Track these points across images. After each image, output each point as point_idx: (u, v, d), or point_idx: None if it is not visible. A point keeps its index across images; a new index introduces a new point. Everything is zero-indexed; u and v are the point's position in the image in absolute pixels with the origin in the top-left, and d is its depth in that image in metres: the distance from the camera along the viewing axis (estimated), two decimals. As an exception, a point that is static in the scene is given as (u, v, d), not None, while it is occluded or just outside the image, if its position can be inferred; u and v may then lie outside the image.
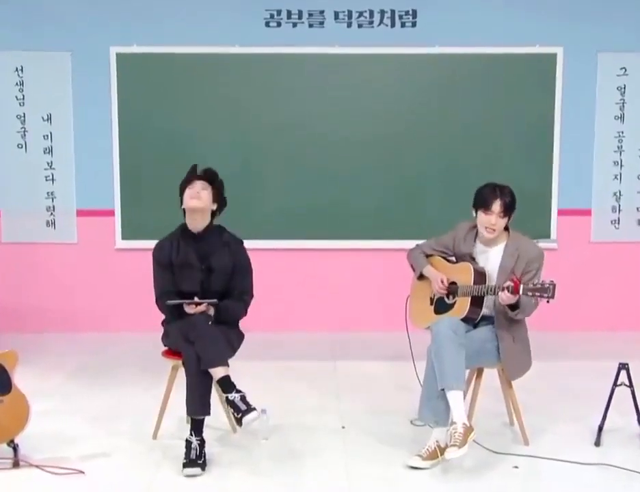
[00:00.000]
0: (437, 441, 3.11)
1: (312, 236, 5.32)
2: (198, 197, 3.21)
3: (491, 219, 3.20)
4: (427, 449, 3.10)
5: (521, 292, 2.98)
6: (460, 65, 5.21)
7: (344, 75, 5.23)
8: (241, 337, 3.37)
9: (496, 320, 3.25)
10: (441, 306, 3.39)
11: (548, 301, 2.95)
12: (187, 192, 3.22)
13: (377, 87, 5.24)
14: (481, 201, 3.23)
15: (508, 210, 3.20)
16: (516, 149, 5.27)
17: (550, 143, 5.26)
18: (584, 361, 4.69)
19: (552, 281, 2.93)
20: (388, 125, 5.26)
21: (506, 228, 3.29)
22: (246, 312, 3.36)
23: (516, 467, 3.10)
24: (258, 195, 5.28)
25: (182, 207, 3.27)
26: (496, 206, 3.19)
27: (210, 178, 3.26)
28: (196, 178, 3.25)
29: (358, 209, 5.31)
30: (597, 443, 3.32)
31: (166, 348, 3.37)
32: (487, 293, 3.16)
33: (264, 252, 5.16)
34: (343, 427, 3.55)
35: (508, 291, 3.03)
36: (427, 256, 3.52)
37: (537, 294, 2.95)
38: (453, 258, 3.45)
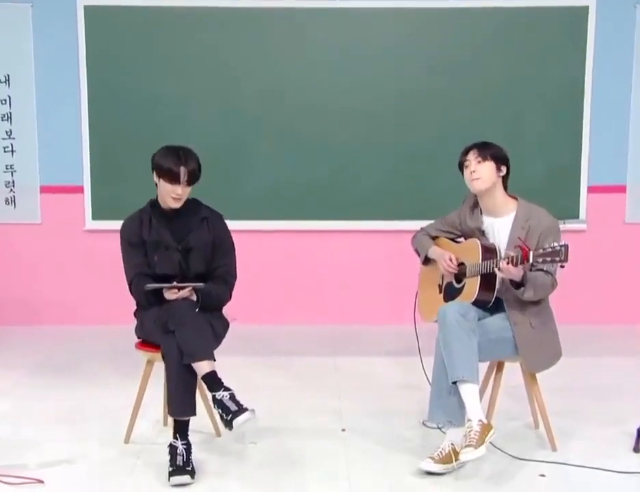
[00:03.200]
0: (451, 444, 3.06)
1: (309, 217, 5.27)
2: (180, 199, 3.18)
3: (469, 169, 3.22)
4: (440, 451, 3.05)
5: (531, 260, 2.93)
6: (478, 21, 5.13)
7: (346, 33, 5.14)
8: (226, 325, 3.34)
9: (505, 302, 3.19)
10: (450, 292, 3.35)
11: (562, 266, 2.91)
12: (168, 188, 3.15)
13: (384, 48, 5.16)
14: (458, 163, 3.30)
15: (487, 154, 3.20)
16: (541, 116, 5.20)
17: (580, 109, 5.19)
18: (619, 357, 4.66)
19: (563, 242, 2.89)
20: (396, 90, 5.19)
21: (515, 198, 3.25)
22: (231, 296, 3.34)
23: (542, 476, 3.05)
24: (248, 171, 5.22)
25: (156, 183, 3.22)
26: (470, 154, 3.24)
27: (194, 179, 3.19)
28: (179, 181, 3.15)
29: (361, 185, 5.24)
30: (637, 449, 3.26)
31: (140, 339, 3.32)
32: (495, 268, 3.08)
33: (255, 234, 5.16)
34: (343, 430, 3.52)
35: (514, 262, 2.98)
36: (433, 239, 3.49)
37: (549, 258, 2.89)
38: (462, 239, 3.42)
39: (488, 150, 3.22)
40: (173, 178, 3.13)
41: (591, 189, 5.27)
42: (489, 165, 3.20)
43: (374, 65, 5.16)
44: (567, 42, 5.13)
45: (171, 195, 3.15)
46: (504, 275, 3.04)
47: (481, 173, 3.19)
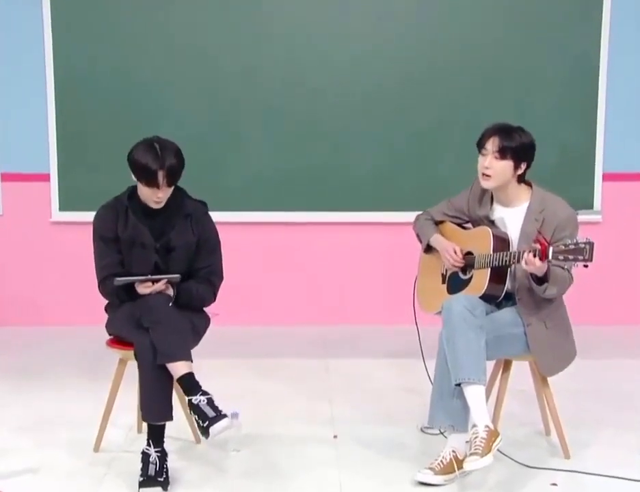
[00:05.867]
0: (453, 451, 3.05)
1: (299, 207, 5.26)
2: (160, 201, 3.15)
3: (484, 161, 3.14)
4: (441, 460, 3.04)
5: (550, 256, 2.90)
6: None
7: (337, 6, 5.10)
8: (207, 322, 3.35)
9: (518, 300, 3.19)
10: (455, 283, 3.34)
11: (585, 265, 2.87)
12: (147, 191, 3.11)
13: (380, 22, 5.13)
14: (478, 141, 3.19)
15: (507, 150, 3.09)
16: (551, 97, 5.18)
17: (594, 88, 5.16)
18: (636, 360, 4.67)
19: (587, 239, 2.85)
20: (394, 68, 5.16)
21: (529, 184, 3.23)
22: (215, 298, 3.34)
23: (554, 485, 3.06)
24: (233, 158, 5.20)
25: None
26: (490, 143, 3.12)
27: (174, 179, 3.13)
28: (158, 186, 3.09)
29: (357, 173, 5.23)
30: (655, 456, 3.30)
31: (112, 336, 3.33)
32: (510, 262, 3.08)
33: (241, 227, 5.14)
34: (335, 436, 3.53)
35: (535, 255, 2.95)
36: (438, 223, 3.48)
37: (571, 256, 2.85)
38: (470, 225, 3.41)
39: (511, 143, 3.09)
40: (150, 182, 3.07)
41: (606, 177, 5.26)
42: (507, 164, 3.11)
43: (370, 41, 5.13)
44: (579, 13, 5.09)
45: (152, 199, 3.12)
46: (528, 268, 2.99)
47: (495, 171, 3.11)
